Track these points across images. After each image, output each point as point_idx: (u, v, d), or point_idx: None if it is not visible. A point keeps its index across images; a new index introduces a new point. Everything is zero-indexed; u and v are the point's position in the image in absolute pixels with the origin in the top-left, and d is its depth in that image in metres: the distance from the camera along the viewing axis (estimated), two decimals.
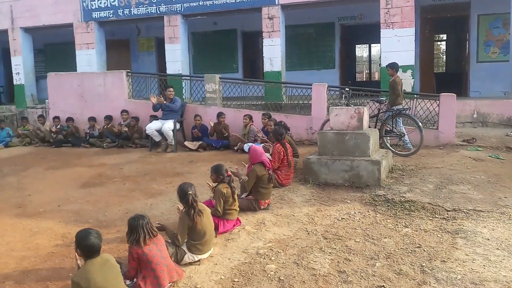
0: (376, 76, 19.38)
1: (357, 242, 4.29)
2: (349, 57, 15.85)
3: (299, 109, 9.67)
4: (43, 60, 16.68)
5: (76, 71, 13.07)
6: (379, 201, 5.40)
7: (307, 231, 4.65)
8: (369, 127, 7.03)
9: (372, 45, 18.07)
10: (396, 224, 4.70)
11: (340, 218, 4.96)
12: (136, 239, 3.43)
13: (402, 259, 3.89)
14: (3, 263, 4.18)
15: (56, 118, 11.15)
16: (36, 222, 5.27)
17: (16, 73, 14.33)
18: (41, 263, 4.17)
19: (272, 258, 4.01)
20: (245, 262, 3.96)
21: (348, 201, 5.50)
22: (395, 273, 3.64)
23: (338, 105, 8.23)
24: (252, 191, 5.39)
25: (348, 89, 8.82)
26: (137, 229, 3.45)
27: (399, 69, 8.55)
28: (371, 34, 13.76)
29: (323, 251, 4.12)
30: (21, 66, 14.20)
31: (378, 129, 7.52)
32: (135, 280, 3.47)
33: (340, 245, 4.24)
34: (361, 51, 20.05)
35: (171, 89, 9.75)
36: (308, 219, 4.97)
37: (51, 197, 6.30)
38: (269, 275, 3.69)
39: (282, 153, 6.15)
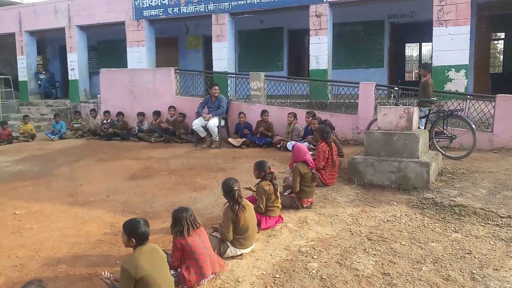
0: None
1: (402, 245, 4.16)
2: (398, 56, 15.39)
3: (345, 108, 9.52)
4: (96, 57, 17.43)
5: (126, 67, 13.53)
6: (427, 204, 5.20)
7: (350, 231, 4.56)
8: (419, 127, 6.80)
9: (422, 43, 17.45)
10: (445, 229, 4.51)
11: (386, 220, 4.83)
12: (180, 230, 3.51)
13: (450, 264, 3.72)
14: (57, 248, 4.40)
15: (107, 112, 11.61)
16: (86, 211, 5.50)
17: (71, 69, 15.04)
18: (90, 249, 4.35)
19: (314, 257, 3.96)
20: (287, 259, 3.95)
21: (394, 203, 5.34)
22: (443, 278, 3.49)
23: (386, 105, 8.02)
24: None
25: (397, 88, 8.57)
26: (180, 221, 3.53)
27: (432, 70, 8.42)
28: (422, 32, 13.30)
29: (367, 252, 4.02)
30: (76, 63, 14.90)
31: (428, 130, 7.25)
32: (179, 270, 3.55)
33: (385, 247, 4.12)
34: (411, 50, 19.43)
35: (216, 87, 9.87)
36: (352, 220, 4.87)
37: (101, 188, 6.57)
38: (311, 273, 3.65)
39: (327, 152, 6.06)
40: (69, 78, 15.20)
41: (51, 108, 14.82)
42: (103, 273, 3.42)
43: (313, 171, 5.31)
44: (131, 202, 5.80)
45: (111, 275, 3.37)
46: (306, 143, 7.83)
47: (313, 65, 11.35)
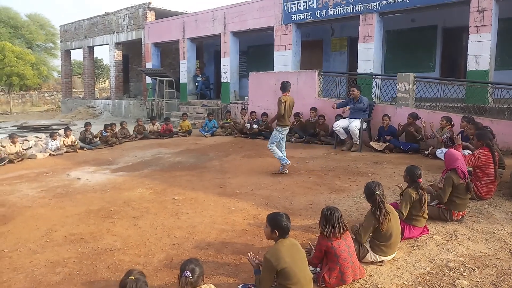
0: None
1: None
2: None
3: (508, 114, 8.40)
4: (245, 61, 18.62)
5: (273, 70, 14.14)
6: None
7: (510, 252, 4.03)
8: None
9: None
10: None
11: None
12: (331, 230, 3.45)
13: None
14: (207, 233, 4.85)
15: (253, 112, 12.33)
16: (233, 202, 5.93)
17: (224, 72, 16.35)
18: (236, 237, 4.69)
19: (464, 274, 3.61)
20: (432, 272, 3.67)
21: None
22: None
23: None
24: None
25: None
26: (332, 221, 3.47)
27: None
28: None
29: None
30: (228, 66, 16.13)
31: None
32: (318, 269, 3.58)
33: None
34: None
35: (354, 89, 9.62)
36: None
37: (246, 181, 7.01)
38: None
39: (489, 161, 5.44)
40: (222, 80, 16.53)
41: (205, 107, 16.33)
42: (249, 254, 3.63)
43: (468, 181, 4.82)
44: (273, 197, 6.06)
45: (257, 257, 3.57)
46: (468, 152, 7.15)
47: (471, 66, 10.27)
